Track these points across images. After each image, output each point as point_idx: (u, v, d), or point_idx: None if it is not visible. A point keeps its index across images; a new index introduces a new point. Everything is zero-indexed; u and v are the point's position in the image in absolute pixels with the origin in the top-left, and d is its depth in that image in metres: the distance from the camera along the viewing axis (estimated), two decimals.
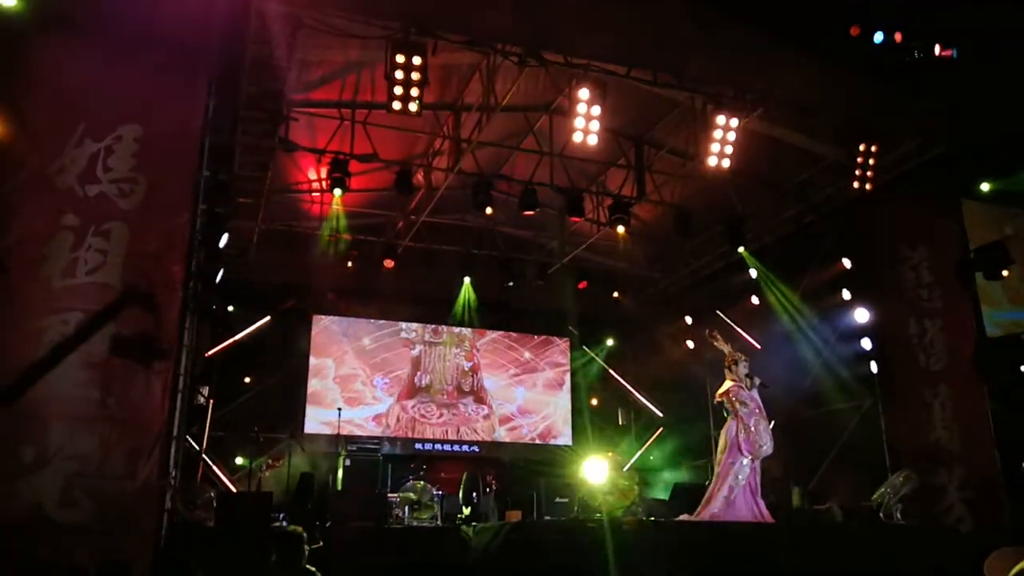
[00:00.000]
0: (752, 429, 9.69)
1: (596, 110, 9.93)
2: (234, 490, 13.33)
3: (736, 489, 9.55)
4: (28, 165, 7.79)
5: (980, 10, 9.39)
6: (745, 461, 9.64)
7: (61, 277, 7.67)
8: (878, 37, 9.61)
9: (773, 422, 9.96)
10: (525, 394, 17.60)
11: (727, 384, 10.00)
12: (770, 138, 11.85)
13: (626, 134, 13.14)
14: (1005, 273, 10.72)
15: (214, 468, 13.32)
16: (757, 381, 10.06)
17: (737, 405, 9.81)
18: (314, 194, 14.06)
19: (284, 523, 10.73)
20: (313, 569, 5.54)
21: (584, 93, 9.84)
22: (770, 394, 10.24)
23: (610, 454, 14.77)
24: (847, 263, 12.82)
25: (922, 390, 11.46)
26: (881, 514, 10.17)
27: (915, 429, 11.46)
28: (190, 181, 8.40)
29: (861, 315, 12.43)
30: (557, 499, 12.78)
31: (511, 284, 15.91)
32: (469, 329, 17.36)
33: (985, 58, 9.75)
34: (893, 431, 11.85)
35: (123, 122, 8.11)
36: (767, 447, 9.74)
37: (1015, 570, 3.39)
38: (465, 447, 16.60)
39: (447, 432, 16.58)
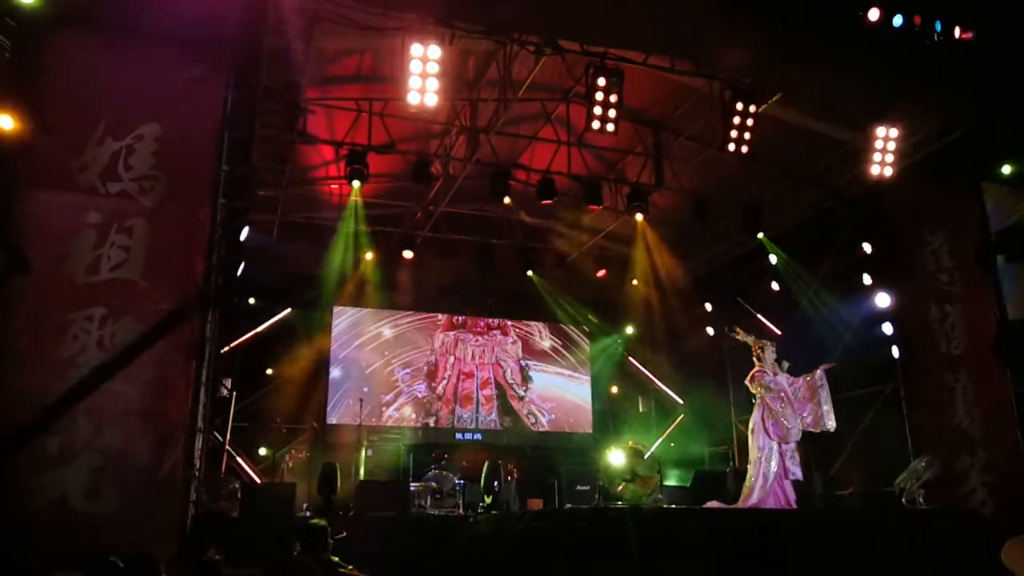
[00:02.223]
0: (779, 413, 9.72)
1: (613, 98, 9.89)
2: (258, 481, 13.47)
3: (770, 477, 9.59)
4: (51, 164, 7.89)
5: None
6: (774, 446, 9.67)
7: (85, 274, 7.80)
8: (897, 20, 9.55)
9: (809, 406, 9.95)
10: (545, 382, 17.61)
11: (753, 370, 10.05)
12: (788, 124, 11.76)
13: (644, 121, 13.08)
14: None
15: (238, 459, 13.46)
16: (786, 365, 10.10)
17: (761, 390, 9.84)
18: (332, 185, 14.12)
19: (308, 513, 10.84)
20: (337, 559, 5.60)
21: (601, 81, 9.80)
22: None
23: (631, 442, 14.79)
24: (867, 248, 12.71)
25: (943, 375, 11.39)
26: (903, 499, 10.12)
27: (937, 414, 11.39)
28: (210, 176, 8.50)
29: (882, 300, 12.31)
30: (578, 487, 12.80)
31: (530, 273, 15.95)
32: (489, 318, 17.41)
33: (1005, 39, 9.65)
34: (915, 416, 11.76)
35: (144, 121, 8.21)
36: (795, 431, 9.74)
37: None
38: (486, 436, 16.66)
39: (468, 421, 16.66)
